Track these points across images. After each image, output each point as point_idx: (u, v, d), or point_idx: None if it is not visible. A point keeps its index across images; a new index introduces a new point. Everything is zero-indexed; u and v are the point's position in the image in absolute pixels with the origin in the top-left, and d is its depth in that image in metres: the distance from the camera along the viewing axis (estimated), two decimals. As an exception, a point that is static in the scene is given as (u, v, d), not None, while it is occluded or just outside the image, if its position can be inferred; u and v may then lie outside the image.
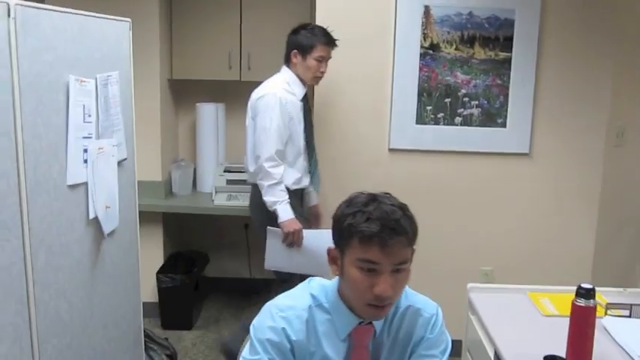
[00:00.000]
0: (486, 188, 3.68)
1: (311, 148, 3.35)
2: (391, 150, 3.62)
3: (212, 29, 4.11)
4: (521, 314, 2.39)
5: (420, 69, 3.53)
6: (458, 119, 3.58)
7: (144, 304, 4.02)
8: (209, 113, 4.22)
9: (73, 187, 1.95)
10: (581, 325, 1.97)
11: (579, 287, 1.97)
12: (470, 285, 2.60)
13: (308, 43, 3.18)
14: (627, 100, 3.68)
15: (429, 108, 3.57)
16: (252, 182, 3.37)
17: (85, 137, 2.02)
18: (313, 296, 1.67)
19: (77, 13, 1.99)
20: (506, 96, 3.56)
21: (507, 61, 3.53)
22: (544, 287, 2.67)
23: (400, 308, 1.69)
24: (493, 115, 3.58)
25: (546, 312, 2.41)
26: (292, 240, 3.14)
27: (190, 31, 4.12)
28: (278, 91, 3.17)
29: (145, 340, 2.79)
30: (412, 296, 1.73)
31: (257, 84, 4.19)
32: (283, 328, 1.61)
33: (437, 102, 3.56)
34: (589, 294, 1.95)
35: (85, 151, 2.02)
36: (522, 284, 2.61)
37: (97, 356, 2.16)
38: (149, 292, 4.06)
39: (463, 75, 3.55)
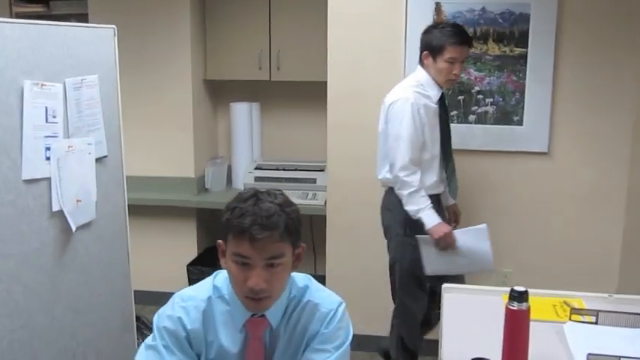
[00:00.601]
0: (503, 188, 3.59)
1: (447, 155, 3.20)
2: (404, 149, 3.61)
3: (243, 30, 4.25)
4: (486, 317, 2.33)
5: (432, 67, 3.50)
6: (472, 117, 3.52)
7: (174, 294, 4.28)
8: (242, 112, 4.37)
9: (30, 181, 2.13)
10: (515, 329, 1.94)
11: (512, 290, 1.93)
12: (445, 285, 2.57)
13: (438, 43, 3.00)
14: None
15: (442, 106, 3.53)
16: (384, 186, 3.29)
17: (48, 136, 2.20)
18: (216, 287, 1.75)
19: (37, 24, 2.18)
20: (523, 93, 3.46)
21: (523, 57, 3.43)
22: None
23: (301, 303, 1.75)
24: (509, 113, 3.49)
25: (511, 315, 2.35)
26: (445, 244, 3.03)
27: (222, 33, 4.29)
28: (410, 96, 3.01)
29: (140, 327, 2.95)
30: (315, 292, 1.78)
31: (287, 83, 4.33)
32: (179, 317, 1.71)
33: (450, 100, 3.51)
34: (522, 297, 1.91)
35: (48, 148, 2.20)
36: (541, 288, 2.51)
37: (64, 337, 2.35)
38: (180, 283, 4.26)
39: (476, 72, 3.48)
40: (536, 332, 2.20)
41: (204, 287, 1.78)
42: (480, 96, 3.49)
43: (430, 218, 3.01)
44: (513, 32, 3.42)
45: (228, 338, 1.72)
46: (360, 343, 3.72)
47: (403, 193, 3.02)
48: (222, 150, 4.67)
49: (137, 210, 4.09)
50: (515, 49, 3.43)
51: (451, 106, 3.51)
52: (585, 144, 3.49)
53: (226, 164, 4.48)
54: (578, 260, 3.58)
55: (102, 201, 2.54)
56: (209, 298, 1.74)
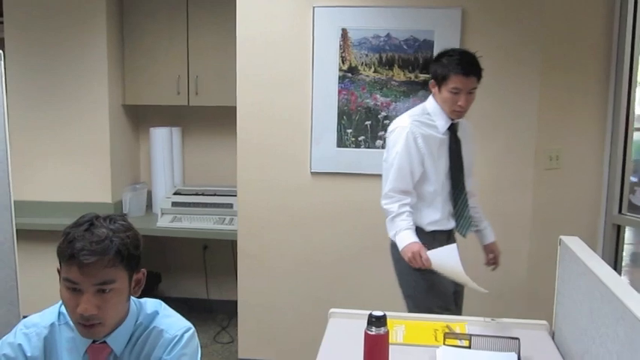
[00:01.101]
0: (411, 212, 3.61)
1: (458, 188, 2.96)
2: (313, 173, 3.62)
3: (161, 56, 4.27)
4: (360, 341, 2.33)
5: (339, 92, 3.53)
6: (379, 142, 3.55)
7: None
8: (162, 137, 4.35)
9: None
10: (374, 353, 1.95)
11: (370, 315, 1.94)
12: (331, 310, 2.57)
13: (442, 72, 2.81)
14: (561, 122, 3.55)
15: (349, 131, 3.55)
16: None
17: None
18: (62, 314, 1.73)
19: None
20: (428, 118, 3.49)
21: (428, 83, 3.47)
22: (412, 315, 2.62)
23: (147, 329, 1.73)
24: (415, 138, 3.52)
25: (389, 340, 2.35)
26: (417, 265, 2.79)
27: (141, 59, 4.30)
28: (407, 125, 2.86)
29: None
30: (163, 318, 1.77)
31: (208, 108, 4.34)
32: (19, 344, 1.69)
33: (357, 125, 3.54)
34: (380, 322, 1.93)
35: None
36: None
37: None
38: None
39: (383, 97, 3.52)
40: (410, 356, 2.22)
41: (49, 314, 1.75)
42: (387, 121, 3.50)
43: (401, 241, 2.83)
44: (418, 58, 3.47)
45: None
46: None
47: (386, 221, 2.91)
48: (144, 175, 4.64)
49: (51, 236, 4.04)
50: (420, 75, 3.48)
51: (358, 132, 3.55)
52: (490, 169, 3.53)
53: (146, 189, 4.44)
54: (486, 284, 3.59)
55: (-17, 227, 2.50)
56: (52, 325, 1.72)
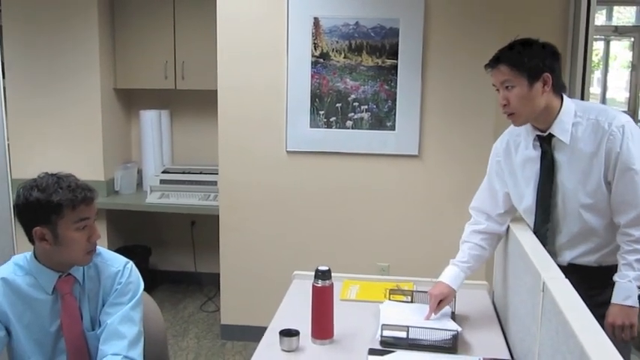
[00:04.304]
0: (379, 188, 3.88)
1: (543, 210, 2.31)
2: (288, 152, 3.90)
3: (150, 42, 4.54)
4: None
5: (312, 76, 3.80)
6: (349, 123, 3.82)
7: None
8: (151, 119, 4.63)
9: None
10: (321, 302, 2.23)
11: (317, 270, 2.21)
12: (295, 272, 2.85)
13: None
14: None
15: (321, 112, 3.83)
16: None
17: None
18: (17, 265, 2.00)
19: None
20: (394, 101, 3.77)
21: (394, 68, 3.74)
22: (367, 276, 2.88)
23: (95, 260, 2.02)
24: (382, 119, 3.80)
25: (343, 297, 2.64)
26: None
27: (131, 45, 4.57)
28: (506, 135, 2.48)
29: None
30: (104, 253, 2.07)
31: (196, 92, 4.62)
32: None
33: (329, 107, 3.82)
34: (325, 275, 2.20)
35: None
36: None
37: None
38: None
39: (352, 81, 3.78)
40: (359, 309, 2.50)
41: (4, 267, 2.02)
42: (356, 103, 3.80)
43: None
44: (385, 45, 3.73)
45: (41, 303, 1.97)
46: (246, 333, 4.00)
47: None
48: (135, 155, 4.92)
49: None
50: (387, 60, 3.75)
51: (330, 113, 3.82)
52: (452, 146, 3.81)
53: (136, 168, 4.73)
54: (448, 252, 3.86)
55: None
56: (10, 275, 1.97)
